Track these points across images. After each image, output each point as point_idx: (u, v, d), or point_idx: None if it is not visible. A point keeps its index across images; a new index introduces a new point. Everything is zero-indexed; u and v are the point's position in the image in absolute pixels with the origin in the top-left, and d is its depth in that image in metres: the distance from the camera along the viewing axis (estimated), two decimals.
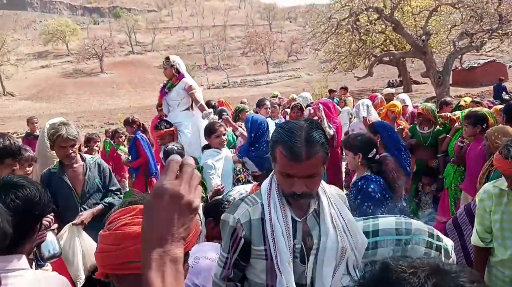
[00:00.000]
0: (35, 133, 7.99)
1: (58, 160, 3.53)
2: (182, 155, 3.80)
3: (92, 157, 3.53)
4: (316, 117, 5.66)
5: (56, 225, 3.01)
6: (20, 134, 20.23)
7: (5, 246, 1.45)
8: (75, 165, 3.36)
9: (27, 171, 3.54)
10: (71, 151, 3.24)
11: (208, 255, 2.30)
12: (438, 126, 5.20)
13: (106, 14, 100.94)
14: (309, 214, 1.71)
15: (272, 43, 61.07)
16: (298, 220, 1.69)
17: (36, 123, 8.29)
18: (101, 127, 21.69)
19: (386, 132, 3.99)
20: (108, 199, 3.40)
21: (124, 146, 7.82)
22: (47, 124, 4.47)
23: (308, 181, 1.59)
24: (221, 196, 3.73)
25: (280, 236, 1.63)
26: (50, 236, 2.70)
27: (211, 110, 5.27)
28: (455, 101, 6.89)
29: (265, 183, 1.79)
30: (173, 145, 3.92)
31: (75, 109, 37.10)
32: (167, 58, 5.27)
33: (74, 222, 3.03)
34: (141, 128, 6.23)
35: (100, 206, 3.32)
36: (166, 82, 5.35)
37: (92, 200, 3.36)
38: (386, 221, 2.24)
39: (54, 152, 4.36)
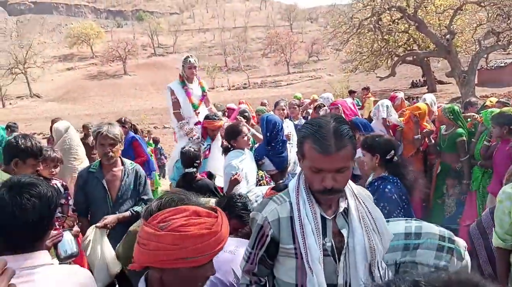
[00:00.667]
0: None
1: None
2: (197, 157, 3.80)
3: (131, 163, 3.46)
4: None
5: (76, 228, 3.05)
6: (46, 135, 20.75)
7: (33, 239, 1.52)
8: (114, 169, 3.30)
9: (53, 172, 3.59)
10: (109, 150, 3.19)
11: (227, 248, 2.31)
12: (459, 128, 5.01)
13: (129, 17, 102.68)
14: (339, 213, 1.69)
15: (293, 44, 60.91)
16: (328, 217, 1.67)
17: None
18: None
19: (365, 129, 4.66)
20: (137, 208, 3.29)
21: (147, 146, 7.98)
22: (56, 127, 4.56)
23: (337, 175, 1.58)
24: (239, 185, 3.76)
25: (310, 234, 1.62)
26: (67, 235, 2.70)
27: (221, 113, 5.39)
28: (480, 102, 6.70)
29: (293, 182, 1.77)
30: (190, 147, 3.89)
31: (99, 111, 37.85)
32: (191, 57, 5.21)
33: (97, 225, 3.00)
34: (133, 129, 6.32)
35: (127, 213, 3.23)
36: (183, 82, 5.23)
37: (124, 206, 3.28)
38: (395, 226, 2.21)
39: (76, 153, 4.45)
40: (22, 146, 2.75)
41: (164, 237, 1.25)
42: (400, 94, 7.06)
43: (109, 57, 63.81)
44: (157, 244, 1.26)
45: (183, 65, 5.15)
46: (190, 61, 5.10)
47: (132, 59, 65.05)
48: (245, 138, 4.14)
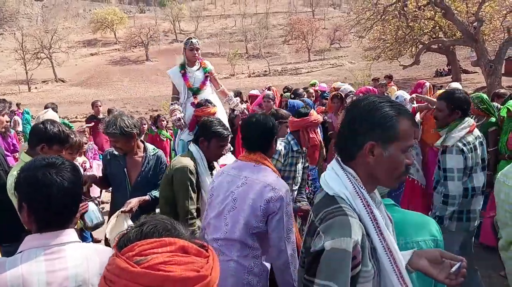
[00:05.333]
0: (98, 116, 8.52)
1: None
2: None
3: (154, 149, 3.53)
4: None
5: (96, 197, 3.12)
6: (70, 119, 21.24)
7: (63, 220, 1.56)
8: (136, 155, 3.40)
9: (75, 157, 3.70)
10: (114, 144, 3.32)
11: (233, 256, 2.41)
12: (492, 117, 4.75)
13: (151, 3, 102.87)
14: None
15: (315, 31, 60.02)
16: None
17: (100, 106, 8.91)
18: (146, 113, 22.33)
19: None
20: (155, 193, 3.36)
21: (166, 130, 8.11)
22: (40, 116, 4.64)
23: None
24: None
25: (394, 246, 1.40)
26: (92, 206, 2.84)
27: (232, 93, 5.13)
28: (508, 92, 6.50)
29: (344, 184, 1.44)
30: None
31: (122, 96, 38.32)
32: (194, 39, 4.97)
33: (122, 209, 3.06)
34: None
35: (147, 197, 3.30)
36: (182, 66, 4.95)
37: (143, 192, 3.34)
38: None
39: None
40: (51, 132, 2.82)
41: (139, 276, 0.99)
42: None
43: (131, 43, 64.25)
44: (128, 284, 0.99)
45: (184, 48, 4.94)
46: (192, 42, 4.88)
47: (154, 45, 65.36)
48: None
